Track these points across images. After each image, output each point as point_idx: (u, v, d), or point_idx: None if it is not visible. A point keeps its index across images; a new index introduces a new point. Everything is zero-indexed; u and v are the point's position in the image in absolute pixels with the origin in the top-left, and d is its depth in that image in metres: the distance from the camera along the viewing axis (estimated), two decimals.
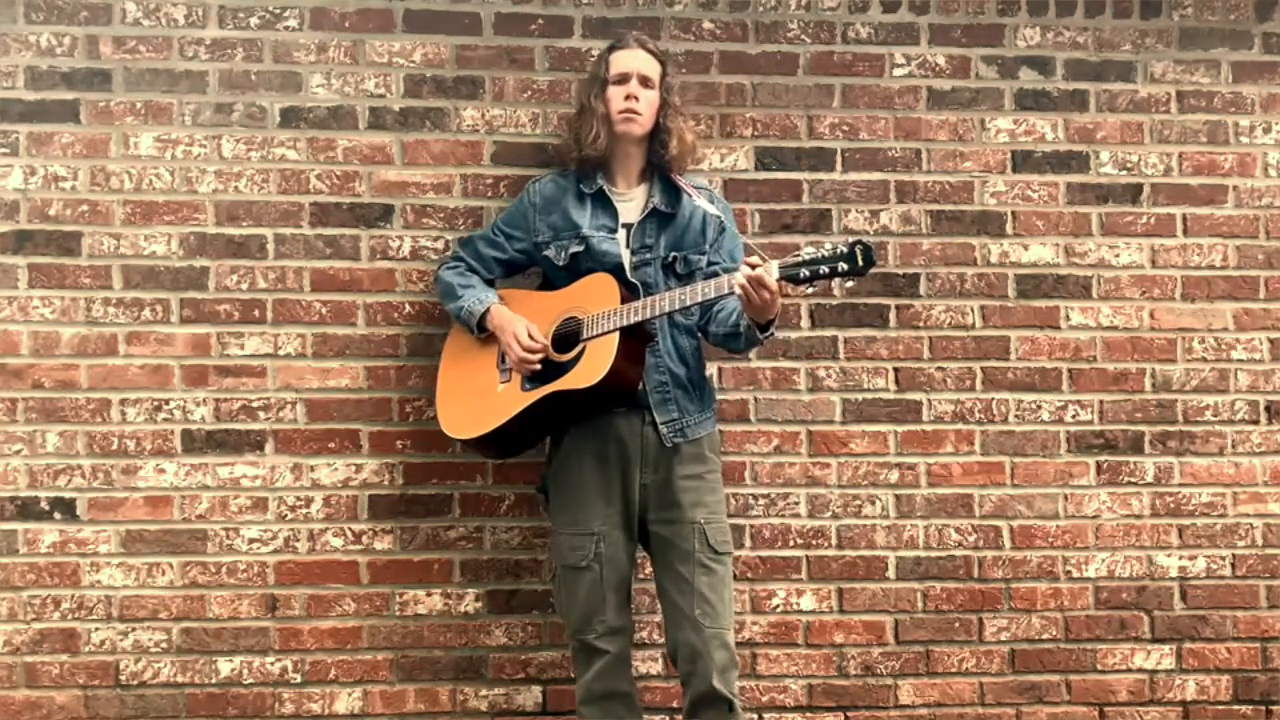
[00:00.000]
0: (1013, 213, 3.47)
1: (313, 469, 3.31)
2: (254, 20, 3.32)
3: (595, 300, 2.93)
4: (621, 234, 3.04)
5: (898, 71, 3.45)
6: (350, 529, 3.32)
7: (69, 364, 3.27)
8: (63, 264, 3.27)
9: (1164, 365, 3.47)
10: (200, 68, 3.31)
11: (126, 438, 3.27)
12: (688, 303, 2.84)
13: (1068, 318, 3.46)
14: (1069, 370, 3.45)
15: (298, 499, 3.31)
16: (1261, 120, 3.52)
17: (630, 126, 3.00)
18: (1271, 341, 3.50)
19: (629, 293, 2.93)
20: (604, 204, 3.06)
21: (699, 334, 3.07)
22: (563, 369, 2.93)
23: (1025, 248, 3.46)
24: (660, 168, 3.06)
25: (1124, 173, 3.49)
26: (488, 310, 3.03)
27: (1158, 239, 3.49)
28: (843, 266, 2.70)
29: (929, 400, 3.43)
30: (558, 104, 3.36)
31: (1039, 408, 3.45)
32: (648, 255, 3.02)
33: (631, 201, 3.06)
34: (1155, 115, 3.50)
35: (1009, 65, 3.47)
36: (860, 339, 3.42)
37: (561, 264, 3.04)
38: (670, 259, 3.02)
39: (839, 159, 3.43)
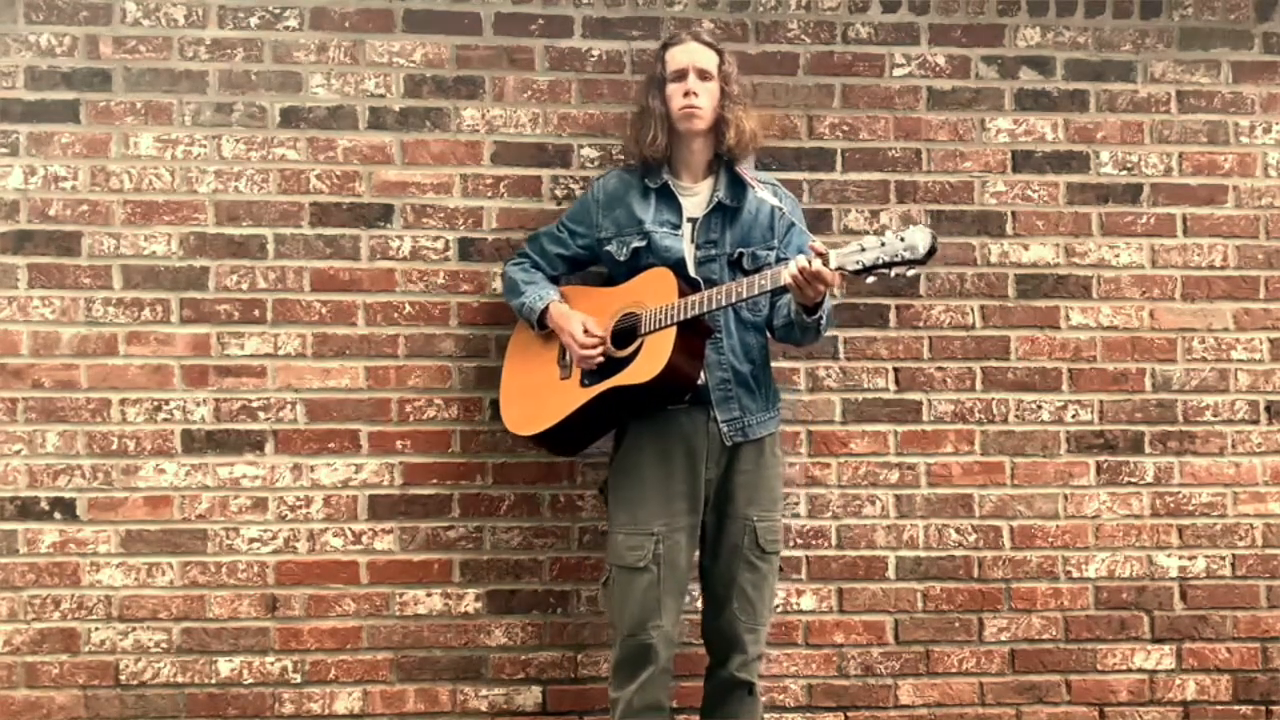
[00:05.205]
0: (1013, 213, 3.46)
1: (313, 469, 3.31)
2: (254, 20, 3.32)
3: (653, 295, 2.90)
4: (686, 229, 2.99)
5: (898, 71, 3.45)
6: (350, 529, 3.32)
7: (69, 364, 3.27)
8: (63, 264, 3.27)
9: (1164, 365, 3.47)
10: (200, 68, 3.31)
11: (126, 438, 3.27)
12: (744, 295, 2.77)
13: (1068, 318, 3.46)
14: (1069, 370, 3.45)
15: (298, 499, 3.30)
16: (1261, 120, 3.52)
17: (693, 123, 2.94)
18: (1271, 341, 3.49)
19: (688, 288, 2.88)
20: (668, 199, 3.01)
21: (766, 331, 3.02)
22: (621, 364, 2.90)
23: (1025, 248, 3.46)
24: (727, 160, 3.01)
25: (1124, 173, 3.49)
26: (547, 307, 3.02)
27: (1158, 239, 3.49)
28: (905, 255, 2.60)
29: (929, 400, 3.43)
30: (558, 104, 3.36)
31: (1039, 408, 3.45)
32: (713, 251, 2.96)
33: (697, 196, 3.01)
34: (1155, 115, 3.50)
35: (1009, 65, 3.47)
36: (860, 339, 3.42)
37: (623, 259, 3.00)
38: (736, 255, 2.96)
39: (839, 159, 3.42)
